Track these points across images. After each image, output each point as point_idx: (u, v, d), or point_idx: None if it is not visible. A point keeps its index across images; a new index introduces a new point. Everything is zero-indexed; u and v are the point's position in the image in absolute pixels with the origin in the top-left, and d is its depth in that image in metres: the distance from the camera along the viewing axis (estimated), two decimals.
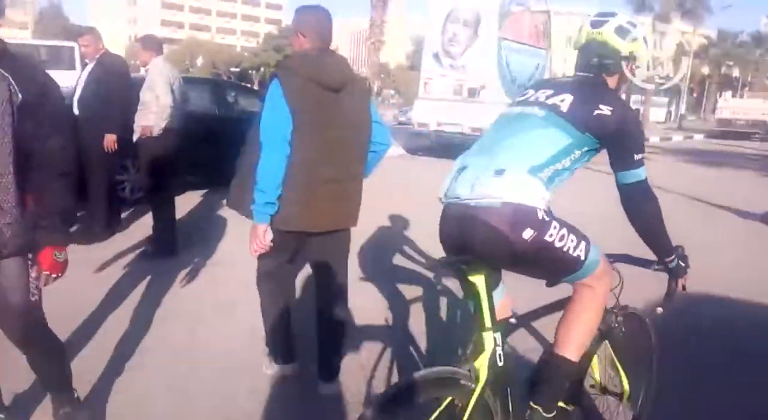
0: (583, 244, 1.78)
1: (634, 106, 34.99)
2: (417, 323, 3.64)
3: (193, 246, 5.03)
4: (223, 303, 3.80)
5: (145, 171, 4.84)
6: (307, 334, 2.84)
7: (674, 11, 28.87)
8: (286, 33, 59.13)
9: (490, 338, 1.74)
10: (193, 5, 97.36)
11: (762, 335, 3.77)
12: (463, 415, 1.62)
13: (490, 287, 1.75)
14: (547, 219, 1.70)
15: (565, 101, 1.82)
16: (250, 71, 60.09)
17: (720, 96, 37.03)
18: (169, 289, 4.02)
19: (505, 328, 1.85)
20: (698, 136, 26.60)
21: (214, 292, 4.02)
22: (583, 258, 1.77)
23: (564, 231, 1.73)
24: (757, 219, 7.50)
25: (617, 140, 1.79)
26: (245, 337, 3.22)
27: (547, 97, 1.87)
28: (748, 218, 7.59)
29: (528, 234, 1.67)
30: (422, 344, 3.37)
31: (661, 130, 28.45)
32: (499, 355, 1.74)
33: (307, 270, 3.24)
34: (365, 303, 3.69)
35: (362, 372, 2.91)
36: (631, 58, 1.92)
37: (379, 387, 2.75)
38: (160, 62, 4.70)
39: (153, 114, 4.55)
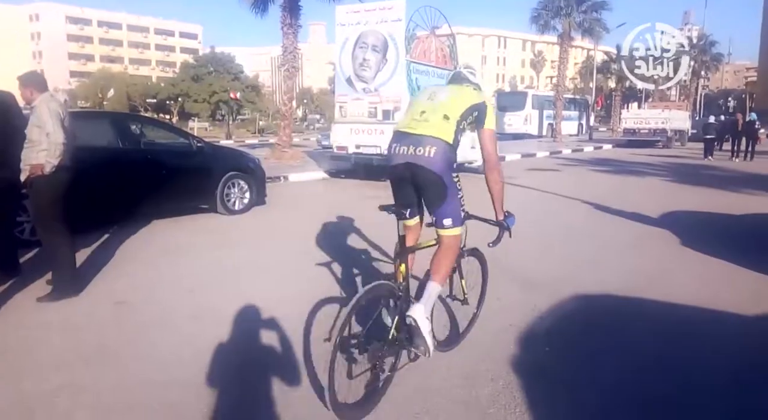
0: None
1: (546, 122, 36.72)
2: None
3: (98, 285, 4.86)
4: (128, 343, 3.66)
5: (37, 210, 4.60)
6: None
7: (575, 31, 30.56)
8: (204, 61, 58.22)
9: None
10: (103, 37, 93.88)
11: None
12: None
13: None
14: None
15: None
16: (167, 102, 58.36)
17: (624, 108, 39.36)
18: (68, 330, 3.84)
19: None
20: (607, 146, 28.18)
21: (120, 333, 3.86)
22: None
23: None
24: (650, 223, 7.98)
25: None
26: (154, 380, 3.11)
27: None
28: (641, 221, 8.09)
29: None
30: None
31: (574, 143, 29.93)
32: None
33: None
34: None
35: None
36: None
37: None
38: (47, 98, 4.51)
39: (44, 151, 4.36)
